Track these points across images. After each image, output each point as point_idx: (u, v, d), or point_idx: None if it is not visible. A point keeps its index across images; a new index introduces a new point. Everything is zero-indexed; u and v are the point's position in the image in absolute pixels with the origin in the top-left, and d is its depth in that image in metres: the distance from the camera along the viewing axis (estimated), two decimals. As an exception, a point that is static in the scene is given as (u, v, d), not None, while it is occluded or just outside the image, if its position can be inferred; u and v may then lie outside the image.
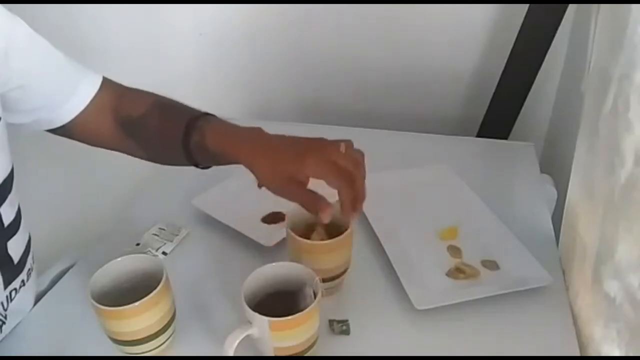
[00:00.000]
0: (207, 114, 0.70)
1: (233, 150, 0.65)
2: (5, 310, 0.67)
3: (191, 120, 0.68)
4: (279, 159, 0.62)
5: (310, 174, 0.60)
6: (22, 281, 0.70)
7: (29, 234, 0.73)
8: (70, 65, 0.71)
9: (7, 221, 0.66)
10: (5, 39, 0.61)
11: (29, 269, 0.72)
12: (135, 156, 0.75)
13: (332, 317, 0.67)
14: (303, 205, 0.62)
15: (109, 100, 0.73)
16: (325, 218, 0.60)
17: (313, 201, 0.60)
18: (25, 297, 0.71)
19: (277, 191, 0.62)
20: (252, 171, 0.63)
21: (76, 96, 0.71)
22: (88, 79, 0.72)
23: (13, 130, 0.69)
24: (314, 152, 0.61)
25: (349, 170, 0.60)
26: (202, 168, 0.72)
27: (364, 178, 0.62)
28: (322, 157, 0.60)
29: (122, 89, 0.75)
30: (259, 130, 0.66)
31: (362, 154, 0.64)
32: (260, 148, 0.64)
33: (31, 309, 0.74)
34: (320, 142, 0.63)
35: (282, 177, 0.61)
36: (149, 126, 0.71)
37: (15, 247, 0.67)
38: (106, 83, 0.74)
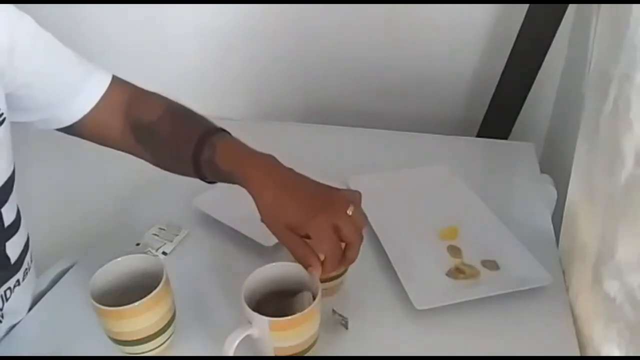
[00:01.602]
0: (221, 129, 0.69)
1: (242, 175, 0.63)
2: (0, 309, 0.67)
3: (204, 135, 0.67)
4: (284, 207, 0.60)
5: (310, 234, 0.59)
6: (18, 280, 0.70)
7: (28, 233, 0.73)
8: (78, 63, 0.71)
9: (7, 222, 0.66)
10: (9, 36, 0.61)
11: (26, 269, 0.72)
12: (144, 159, 0.75)
13: (335, 309, 0.67)
14: (293, 255, 0.61)
15: (119, 100, 0.72)
16: (314, 273, 0.59)
17: (304, 256, 0.60)
18: (21, 296, 0.71)
19: (273, 231, 0.62)
20: (255, 203, 0.62)
21: (84, 94, 0.70)
22: (97, 77, 0.72)
23: (21, 129, 0.68)
24: (320, 212, 0.59)
25: (346, 241, 0.60)
26: (209, 182, 0.71)
27: (361, 245, 0.61)
28: (326, 219, 0.59)
29: (134, 90, 0.74)
30: (273, 161, 0.64)
31: (365, 217, 0.62)
32: (270, 185, 0.62)
33: (29, 309, 0.74)
34: (330, 200, 0.61)
35: (282, 223, 0.60)
36: (160, 134, 0.70)
37: (13, 248, 0.67)
38: (116, 82, 0.73)
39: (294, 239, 0.60)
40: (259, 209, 0.62)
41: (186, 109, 0.73)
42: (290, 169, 0.64)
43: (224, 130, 0.69)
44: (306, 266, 0.60)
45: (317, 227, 0.58)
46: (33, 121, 0.70)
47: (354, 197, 0.62)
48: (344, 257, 0.60)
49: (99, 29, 1.37)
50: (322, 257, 0.60)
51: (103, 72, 0.73)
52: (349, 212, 0.60)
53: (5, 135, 0.64)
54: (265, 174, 0.63)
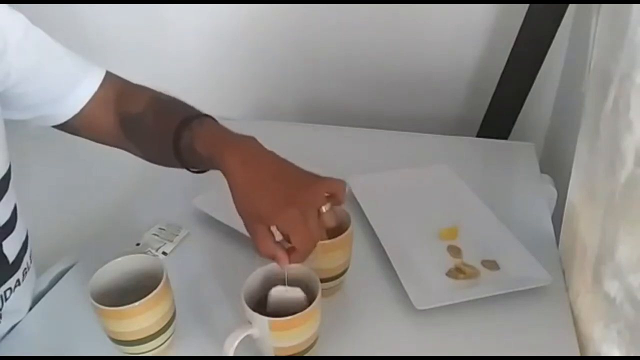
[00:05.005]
0: (204, 115, 0.67)
1: (219, 157, 0.60)
2: (0, 309, 0.67)
3: (184, 121, 0.65)
4: (254, 192, 0.57)
5: (279, 228, 0.56)
6: (18, 280, 0.69)
7: (27, 233, 0.72)
8: (72, 59, 0.70)
9: (2, 221, 0.65)
10: (2, 33, 0.61)
11: (25, 269, 0.71)
12: (135, 154, 0.74)
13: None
14: (257, 248, 0.58)
15: (111, 96, 0.72)
16: (282, 265, 0.57)
17: (268, 251, 0.57)
18: (21, 297, 0.71)
19: (241, 217, 0.59)
20: (228, 185, 0.59)
21: (78, 90, 0.70)
22: (90, 73, 0.71)
23: (19, 127, 0.68)
24: (290, 205, 0.55)
25: (295, 247, 0.56)
26: (195, 172, 0.69)
27: (306, 255, 0.57)
28: (295, 214, 0.55)
29: (125, 84, 0.74)
30: (251, 142, 0.61)
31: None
32: (242, 165, 0.59)
33: (29, 309, 0.74)
34: (304, 193, 0.57)
35: (250, 212, 0.58)
36: (145, 124, 0.70)
37: (10, 247, 0.67)
38: (109, 77, 0.73)
39: (260, 232, 0.57)
40: (230, 191, 0.59)
41: (171, 99, 0.71)
42: (270, 152, 0.61)
43: (206, 115, 0.67)
44: (271, 260, 0.58)
45: (285, 222, 0.55)
46: (29, 119, 0.70)
47: (336, 188, 0.59)
48: (292, 253, 0.57)
49: (99, 28, 1.37)
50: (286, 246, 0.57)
51: (96, 68, 0.72)
52: (324, 209, 0.58)
53: None
54: (239, 155, 0.60)
